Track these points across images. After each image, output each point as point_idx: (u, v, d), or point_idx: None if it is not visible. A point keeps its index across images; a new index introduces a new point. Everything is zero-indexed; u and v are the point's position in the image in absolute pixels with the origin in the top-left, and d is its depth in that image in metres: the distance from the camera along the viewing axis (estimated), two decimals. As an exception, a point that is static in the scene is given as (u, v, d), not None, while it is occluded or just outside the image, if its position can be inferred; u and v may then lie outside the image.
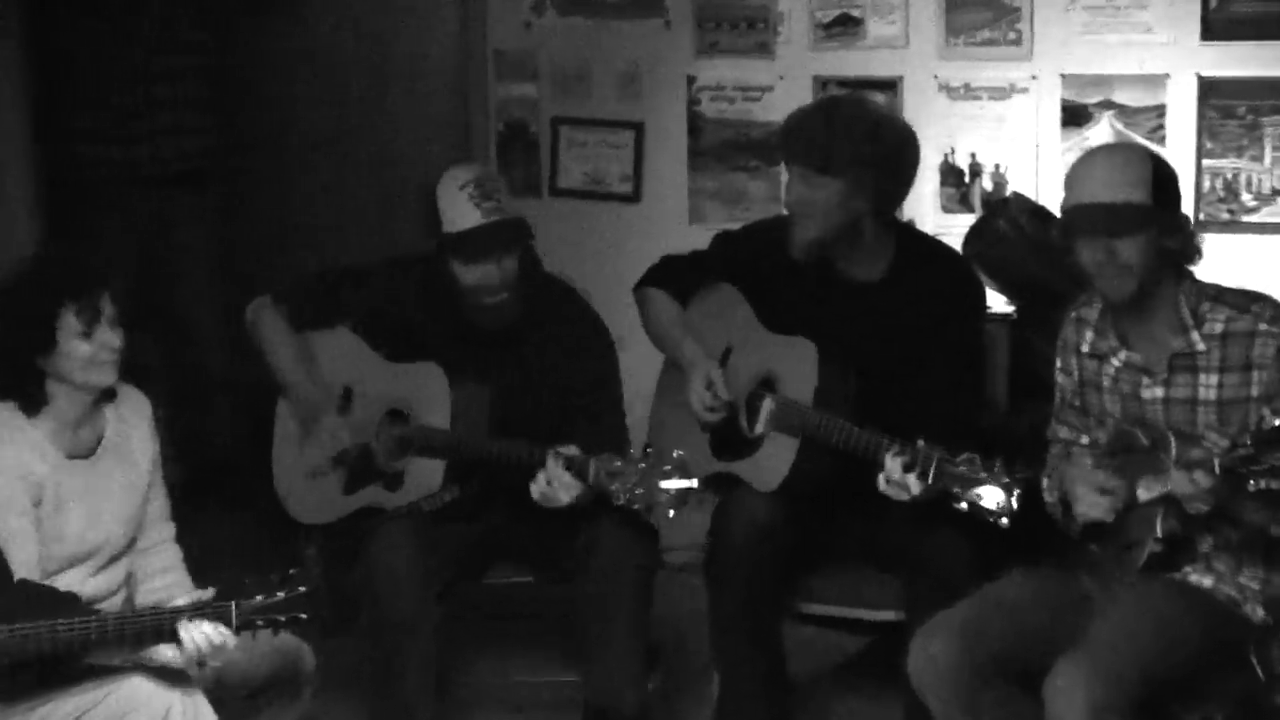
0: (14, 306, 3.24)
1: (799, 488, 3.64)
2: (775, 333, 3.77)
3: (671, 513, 3.45)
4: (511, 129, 5.19)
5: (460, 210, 3.72)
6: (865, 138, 3.63)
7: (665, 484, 3.43)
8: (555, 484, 3.57)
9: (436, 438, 3.79)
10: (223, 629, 3.02)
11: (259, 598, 3.07)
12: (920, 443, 3.35)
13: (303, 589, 3.09)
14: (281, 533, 4.00)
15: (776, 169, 4.68)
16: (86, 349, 3.23)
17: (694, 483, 3.43)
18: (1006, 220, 4.36)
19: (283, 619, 3.08)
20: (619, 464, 3.49)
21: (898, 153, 3.69)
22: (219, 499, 4.93)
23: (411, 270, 3.89)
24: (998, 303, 4.29)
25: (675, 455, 3.46)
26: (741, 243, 3.92)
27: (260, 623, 3.07)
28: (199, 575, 3.43)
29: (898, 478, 3.37)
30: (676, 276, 3.93)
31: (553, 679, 3.98)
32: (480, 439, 3.76)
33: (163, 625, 3.01)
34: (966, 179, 4.71)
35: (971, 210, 4.68)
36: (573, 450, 3.57)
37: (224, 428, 5.39)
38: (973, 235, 4.42)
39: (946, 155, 4.72)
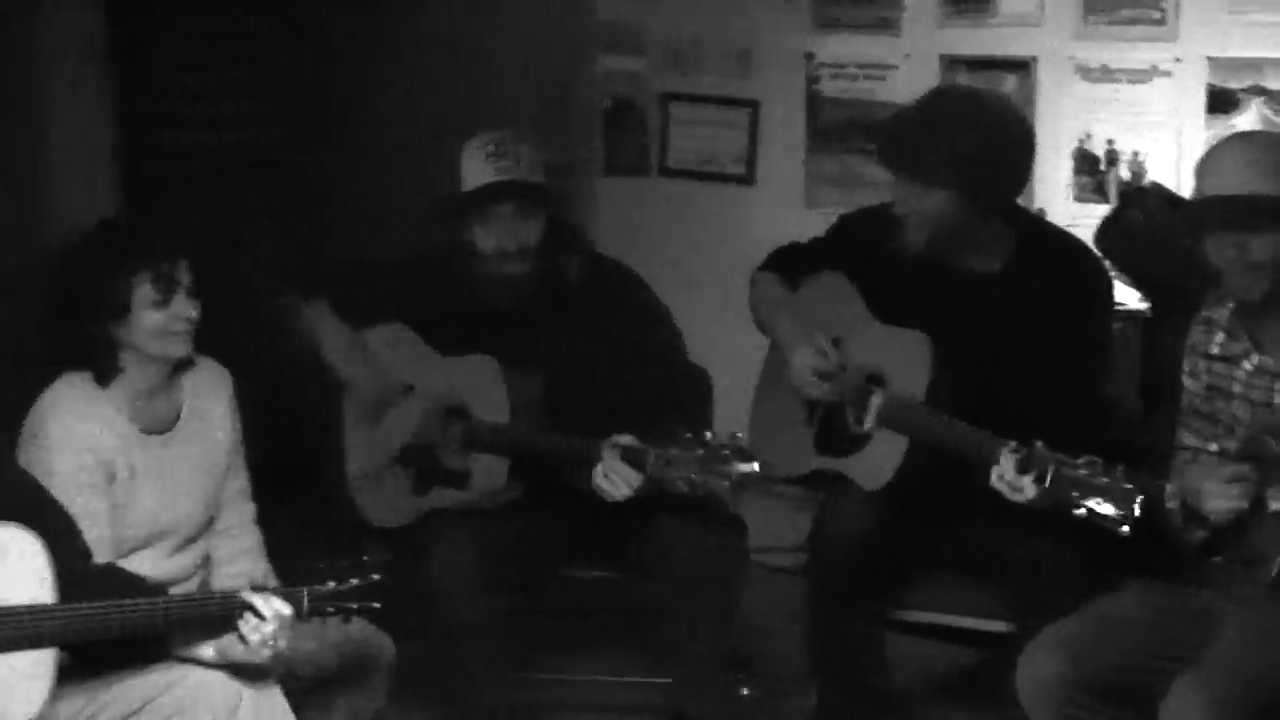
0: (87, 272, 3.25)
1: (906, 488, 3.58)
2: (887, 325, 3.71)
3: (732, 499, 3.43)
4: (618, 105, 5.18)
5: (474, 169, 3.75)
6: (971, 141, 3.54)
7: (725, 469, 3.39)
8: (613, 477, 3.55)
9: (498, 433, 3.78)
10: (288, 611, 3.01)
11: (330, 584, 3.06)
12: (1038, 444, 3.27)
13: (375, 576, 3.08)
14: (353, 531, 4.01)
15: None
16: (160, 318, 3.24)
17: (755, 466, 3.41)
18: (1143, 211, 4.27)
19: (354, 606, 3.07)
20: (675, 451, 3.47)
21: (1009, 149, 3.60)
22: (293, 493, 4.97)
23: (448, 260, 3.87)
24: (1131, 299, 4.21)
25: (735, 437, 3.45)
26: (856, 228, 3.87)
27: (331, 609, 3.06)
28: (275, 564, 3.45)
29: (1011, 478, 3.29)
30: (790, 261, 3.89)
31: (636, 680, 3.96)
32: (538, 432, 3.75)
33: (233, 609, 3.01)
34: (1102, 167, 4.63)
35: (1106, 200, 4.60)
36: (628, 439, 3.55)
37: (298, 421, 5.42)
38: (1106, 226, 4.34)
39: (1081, 141, 4.64)
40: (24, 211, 4.93)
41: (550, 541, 3.84)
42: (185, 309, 3.26)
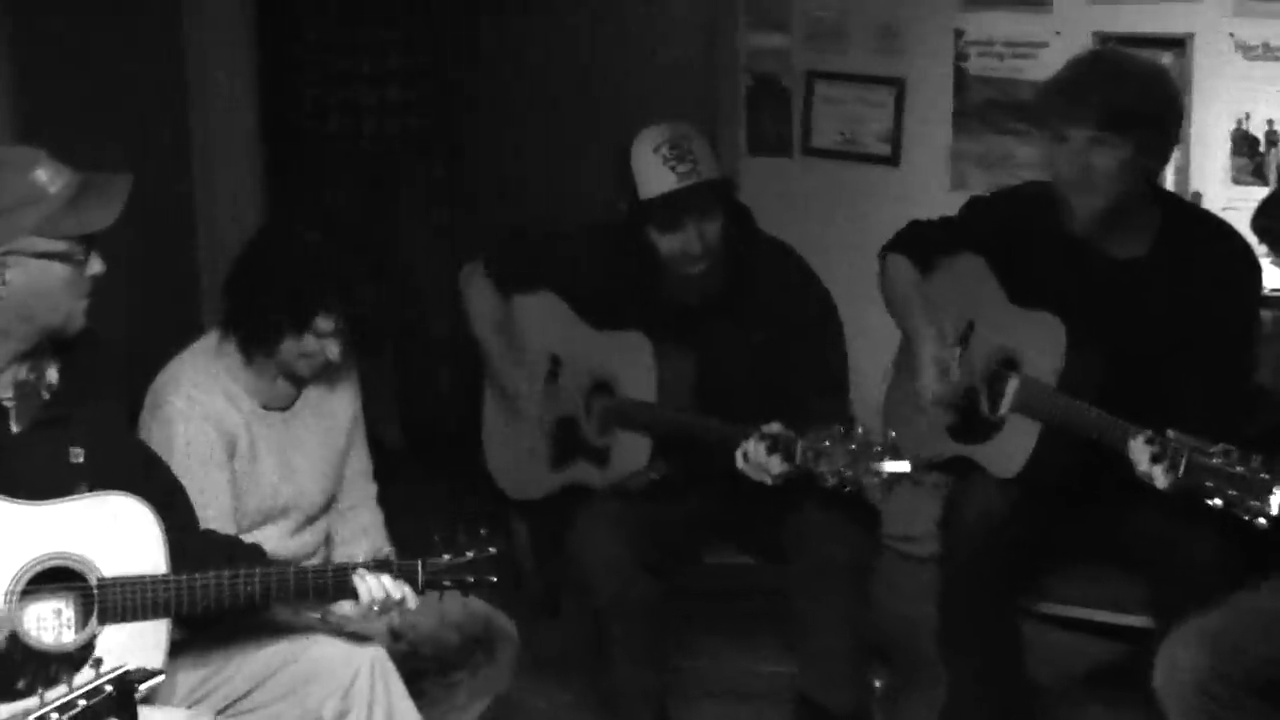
0: (289, 276, 3.32)
1: (1039, 476, 3.58)
2: (1022, 308, 3.71)
3: (881, 496, 3.43)
4: (761, 83, 5.20)
5: (653, 174, 3.73)
6: (1150, 91, 3.55)
7: (876, 465, 3.40)
8: (755, 464, 3.57)
9: (643, 412, 3.82)
10: (401, 583, 3.08)
11: (446, 557, 3.12)
12: (1171, 433, 3.27)
13: (493, 550, 3.14)
14: (492, 506, 4.09)
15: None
16: (313, 348, 3.33)
17: (906, 466, 3.39)
18: (1306, 194, 4.21)
19: (471, 579, 3.13)
20: (827, 443, 3.46)
21: (1174, 108, 3.61)
22: (435, 466, 5.07)
23: (612, 235, 3.91)
24: (1281, 283, 4.16)
25: (889, 436, 3.44)
26: (994, 209, 3.86)
27: (448, 583, 3.12)
28: (401, 542, 3.53)
29: (1144, 468, 3.29)
30: (921, 242, 3.90)
31: (770, 669, 4.00)
32: (684, 414, 3.78)
33: (346, 580, 3.07)
34: (1262, 148, 4.56)
35: (1265, 183, 4.53)
36: (777, 428, 3.56)
37: (444, 393, 5.53)
38: (1264, 209, 4.27)
39: (1240, 122, 4.57)
40: (174, 187, 5.10)
41: (690, 525, 3.89)
42: (333, 351, 3.34)
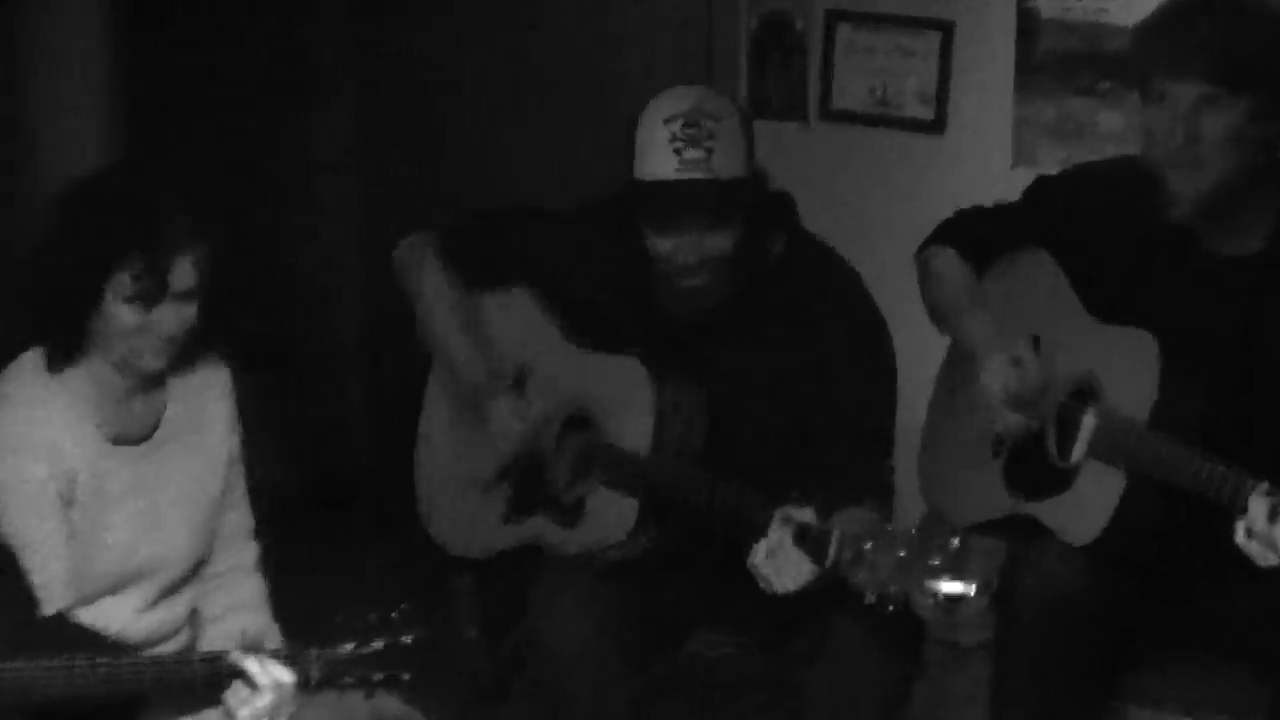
0: (71, 235, 3.32)
1: (1124, 541, 3.57)
2: (1103, 322, 3.71)
3: (933, 619, 3.40)
4: (768, 25, 5.20)
5: (653, 152, 3.70)
6: (1273, 35, 3.55)
7: (931, 584, 3.33)
8: (780, 559, 3.52)
9: (630, 465, 3.80)
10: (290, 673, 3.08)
11: (348, 646, 3.11)
12: (1300, 486, 3.27)
13: (408, 639, 3.12)
14: (426, 564, 4.08)
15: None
16: (135, 322, 3.30)
17: (971, 589, 3.33)
18: None
19: (379, 677, 3.11)
20: (869, 546, 3.41)
21: None
22: (343, 515, 5.06)
23: (609, 221, 3.90)
24: None
25: (954, 543, 3.38)
26: (1066, 193, 3.86)
27: (348, 680, 3.11)
28: (296, 624, 3.51)
29: (1262, 528, 3.28)
30: (972, 234, 3.89)
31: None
32: (689, 473, 3.74)
33: (219, 673, 3.06)
34: None
35: None
36: (808, 515, 3.53)
37: (356, 419, 5.51)
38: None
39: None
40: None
41: (679, 607, 3.90)
42: (168, 322, 3.30)
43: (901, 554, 3.35)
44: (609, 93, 5.48)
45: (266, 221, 5.46)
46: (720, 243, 3.71)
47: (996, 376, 3.69)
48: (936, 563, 3.32)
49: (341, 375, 5.58)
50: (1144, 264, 3.69)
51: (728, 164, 3.69)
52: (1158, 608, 3.67)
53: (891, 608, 3.37)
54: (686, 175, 3.67)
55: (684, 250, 3.70)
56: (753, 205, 3.75)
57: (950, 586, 3.31)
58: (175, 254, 3.27)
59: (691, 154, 3.67)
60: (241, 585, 3.58)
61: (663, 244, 3.72)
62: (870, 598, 3.39)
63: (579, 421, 3.91)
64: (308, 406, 5.35)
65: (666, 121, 3.70)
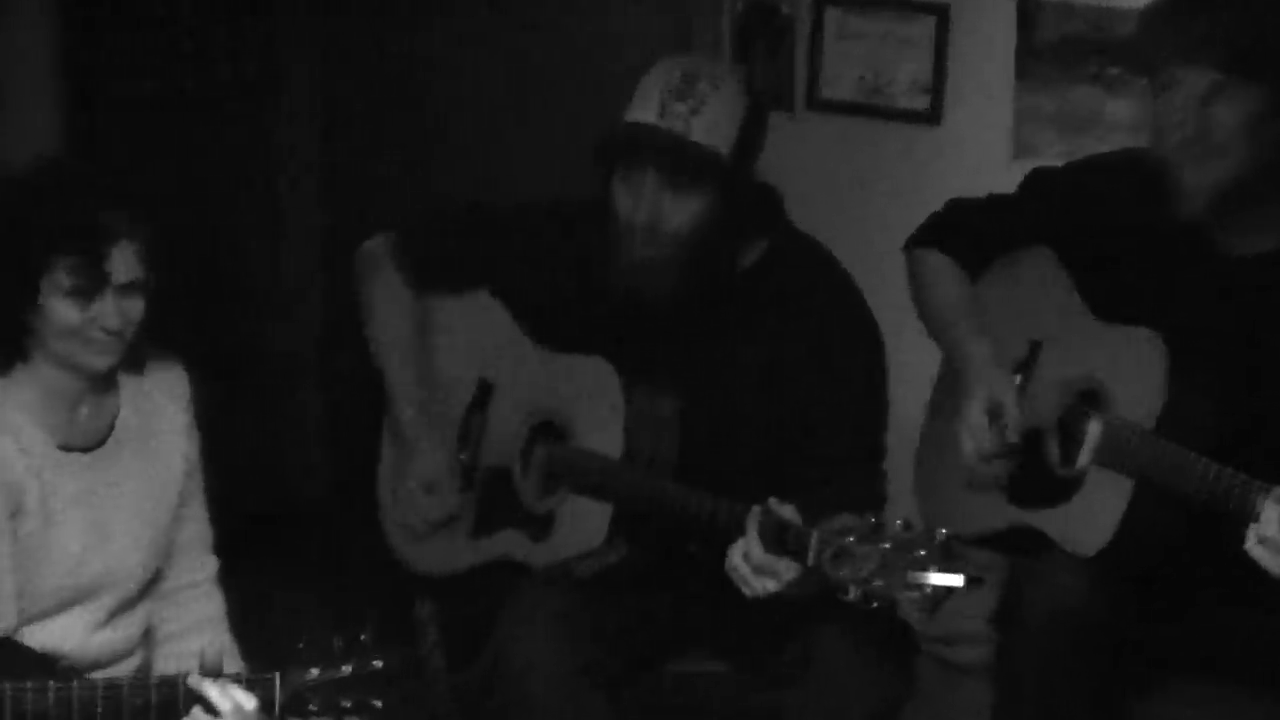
0: (2, 231, 3.32)
1: (1132, 553, 3.57)
2: (1107, 323, 3.71)
3: (921, 617, 3.38)
4: (753, 9, 5.21)
5: (644, 98, 3.73)
6: None
7: (917, 576, 3.33)
8: (756, 562, 3.52)
9: (602, 469, 3.80)
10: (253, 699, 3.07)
11: (314, 671, 3.11)
12: (1312, 495, 3.26)
13: (378, 664, 3.13)
14: (388, 587, 4.08)
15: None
16: (75, 318, 3.29)
17: (959, 580, 3.31)
18: None
19: (348, 704, 3.12)
20: (851, 540, 3.38)
21: None
22: (301, 536, 5.05)
23: (581, 216, 3.90)
24: None
25: (939, 535, 3.37)
26: (1068, 186, 3.86)
27: (314, 707, 3.11)
28: (254, 645, 3.51)
29: (1274, 534, 3.28)
30: (965, 233, 3.89)
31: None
32: (659, 478, 3.76)
33: (174, 699, 3.06)
34: None
35: None
36: (788, 511, 3.52)
37: (313, 436, 5.51)
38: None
39: None
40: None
41: (655, 624, 3.89)
42: (110, 315, 3.29)
43: (886, 545, 3.32)
44: (582, 82, 5.52)
45: (223, 222, 5.44)
46: (679, 215, 3.71)
47: (969, 436, 3.69)
48: (923, 554, 3.30)
49: (301, 382, 5.56)
50: (1152, 262, 3.69)
51: (710, 131, 3.70)
52: (1166, 622, 3.67)
53: (875, 604, 3.33)
54: (664, 125, 3.69)
55: (642, 208, 3.71)
56: (726, 188, 3.74)
57: (938, 578, 3.28)
58: (112, 243, 3.27)
59: (677, 107, 3.70)
60: (200, 602, 3.58)
61: (623, 197, 3.74)
62: (854, 593, 3.34)
63: (548, 429, 3.92)
64: (264, 415, 5.34)
65: (668, 70, 3.75)
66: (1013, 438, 3.67)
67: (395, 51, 5.94)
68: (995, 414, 3.68)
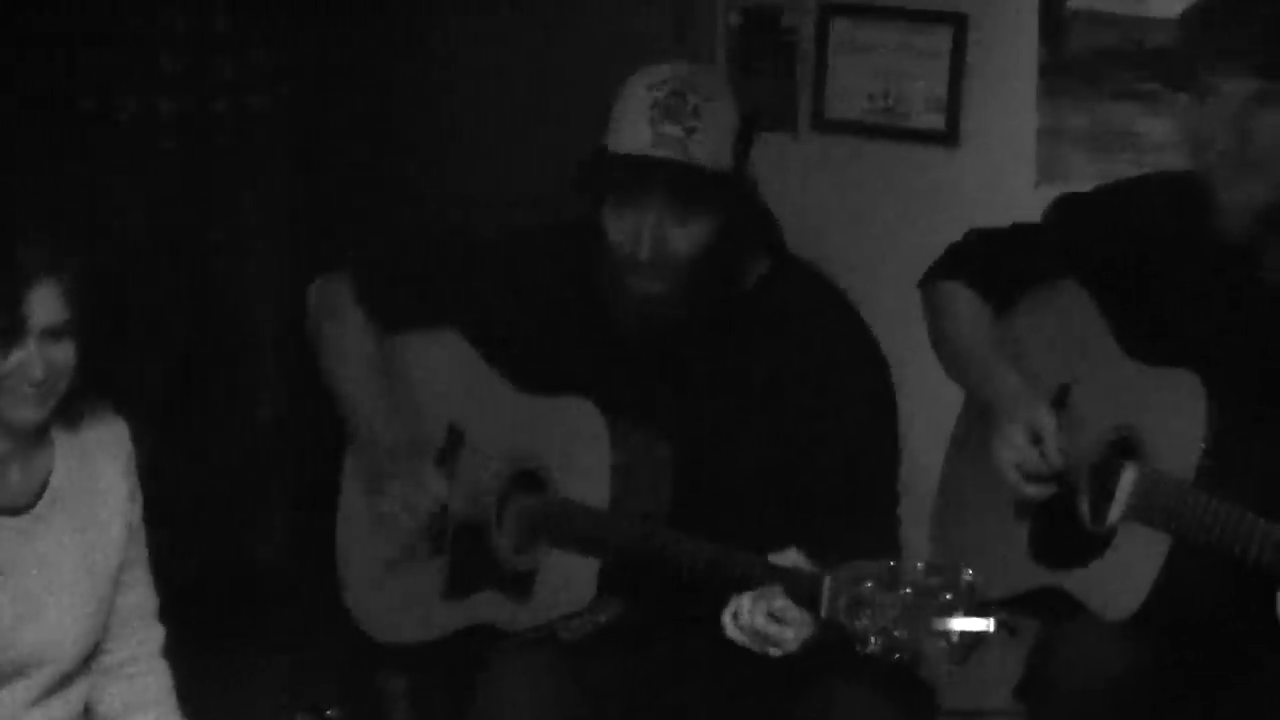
0: None
1: (1170, 616, 3.59)
2: (1143, 363, 3.73)
3: (948, 668, 3.38)
4: (754, 21, 5.23)
5: (629, 122, 3.71)
6: None
7: (942, 623, 3.33)
8: (755, 615, 3.52)
9: (588, 521, 3.80)
10: None
11: None
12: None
13: None
14: (355, 656, 4.09)
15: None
16: None
17: (988, 625, 3.33)
18: None
19: None
20: (868, 586, 3.40)
21: None
22: (257, 601, 5.05)
23: (560, 244, 3.92)
24: None
25: (965, 577, 3.38)
26: (1098, 213, 3.89)
27: None
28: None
29: None
30: (988, 266, 3.91)
31: None
32: (652, 528, 3.74)
33: None
34: None
35: None
36: (795, 559, 3.54)
37: (271, 498, 5.51)
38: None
39: None
40: None
41: (651, 689, 3.88)
42: (33, 364, 3.29)
43: (906, 592, 3.32)
44: (566, 93, 5.50)
45: (171, 251, 5.46)
46: (684, 242, 3.72)
47: (1011, 454, 3.72)
48: (949, 598, 3.29)
49: (252, 449, 5.57)
50: (1191, 295, 3.71)
51: (709, 150, 3.70)
52: (1209, 690, 3.68)
53: (898, 656, 3.33)
54: (660, 153, 3.68)
55: (643, 241, 3.70)
56: (731, 209, 3.75)
57: (966, 623, 3.27)
58: (30, 283, 3.27)
59: (669, 129, 3.68)
60: (144, 677, 3.59)
61: (619, 231, 3.73)
62: (873, 645, 3.33)
63: (526, 478, 3.91)
64: (215, 474, 5.34)
65: (650, 88, 3.72)
66: (1057, 464, 3.69)
67: (368, 72, 5.96)
68: (1038, 437, 3.70)
